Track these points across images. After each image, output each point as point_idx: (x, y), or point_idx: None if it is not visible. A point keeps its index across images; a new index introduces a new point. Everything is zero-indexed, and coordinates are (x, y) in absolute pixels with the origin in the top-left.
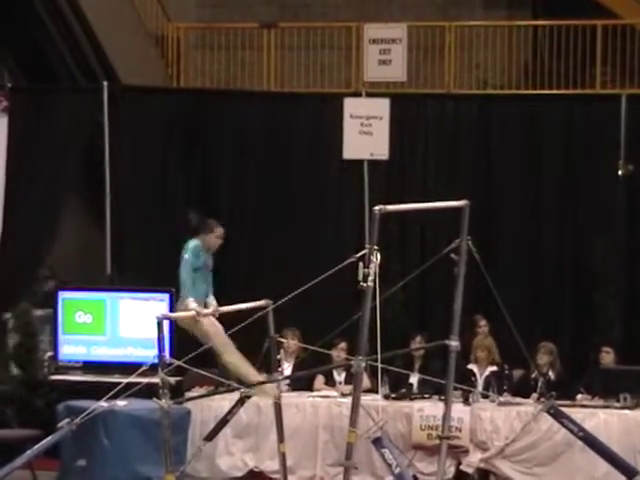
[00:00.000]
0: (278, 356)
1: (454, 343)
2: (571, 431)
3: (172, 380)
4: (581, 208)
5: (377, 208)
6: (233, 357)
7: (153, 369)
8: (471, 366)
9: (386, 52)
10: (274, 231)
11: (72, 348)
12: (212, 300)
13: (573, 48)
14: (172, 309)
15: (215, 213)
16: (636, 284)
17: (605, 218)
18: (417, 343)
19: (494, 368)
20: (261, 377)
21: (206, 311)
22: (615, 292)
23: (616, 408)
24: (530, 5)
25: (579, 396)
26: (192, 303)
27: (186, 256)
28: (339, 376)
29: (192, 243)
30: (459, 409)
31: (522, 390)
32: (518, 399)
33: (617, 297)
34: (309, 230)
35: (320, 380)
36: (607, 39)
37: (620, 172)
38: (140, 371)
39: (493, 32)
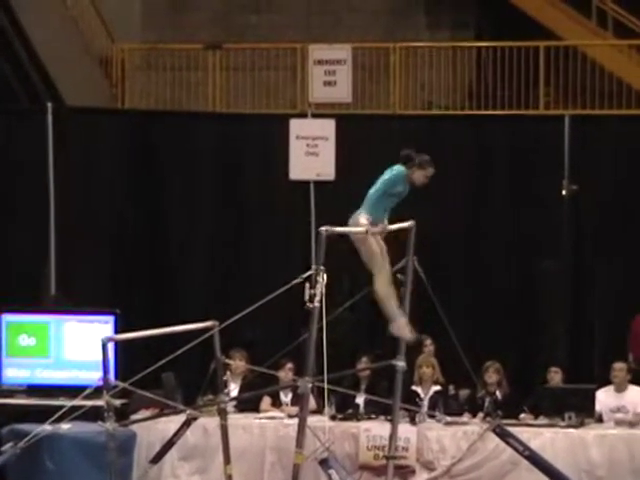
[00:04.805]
0: (225, 377)
1: (400, 363)
2: (517, 450)
3: (117, 402)
4: (526, 228)
5: (323, 229)
6: (384, 287)
7: (98, 392)
8: (415, 387)
9: (331, 73)
10: (222, 251)
11: (16, 371)
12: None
13: (516, 69)
14: (117, 331)
15: (163, 234)
16: (582, 304)
17: (550, 238)
18: (363, 363)
19: (438, 388)
20: (402, 319)
21: (375, 229)
22: (561, 312)
23: (561, 427)
24: (474, 27)
25: (522, 415)
26: (364, 219)
27: (386, 177)
28: (286, 397)
29: (399, 169)
30: (406, 429)
31: (469, 409)
32: (464, 418)
33: (563, 317)
34: (257, 250)
35: (267, 401)
36: (550, 60)
37: (564, 192)
38: (85, 394)
39: (437, 53)
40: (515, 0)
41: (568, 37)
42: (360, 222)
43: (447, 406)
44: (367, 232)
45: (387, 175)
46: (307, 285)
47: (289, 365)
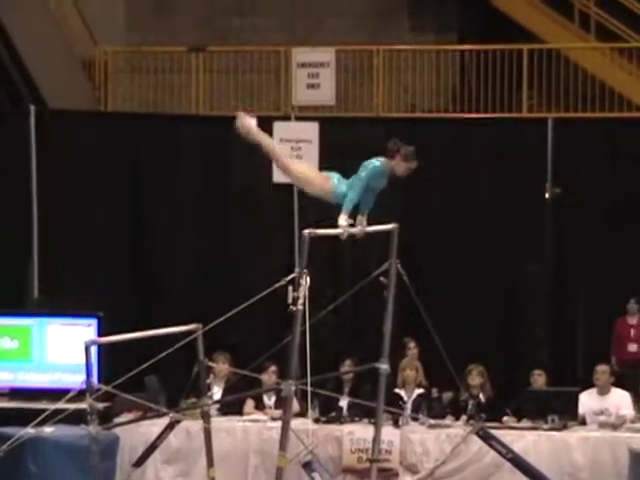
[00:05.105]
0: (208, 380)
1: (384, 366)
2: (500, 453)
3: (100, 406)
4: (509, 231)
5: (306, 231)
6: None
7: (81, 395)
8: (398, 390)
9: (315, 76)
10: (205, 253)
11: None
12: (364, 221)
13: (500, 72)
14: (100, 334)
15: (147, 237)
16: (565, 306)
17: (533, 241)
18: (346, 366)
19: (421, 391)
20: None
21: (353, 230)
22: (544, 314)
23: (544, 430)
24: (457, 30)
25: (505, 418)
26: (342, 220)
27: (363, 174)
28: (269, 400)
29: (377, 162)
30: (389, 432)
31: (452, 412)
32: (448, 421)
33: (546, 319)
34: (240, 253)
35: (250, 404)
36: (533, 63)
37: (547, 195)
38: (68, 397)
39: (421, 56)
40: (499, 3)
41: (551, 40)
42: (339, 224)
43: (430, 409)
44: (345, 236)
45: (363, 173)
46: (290, 288)
47: (272, 368)
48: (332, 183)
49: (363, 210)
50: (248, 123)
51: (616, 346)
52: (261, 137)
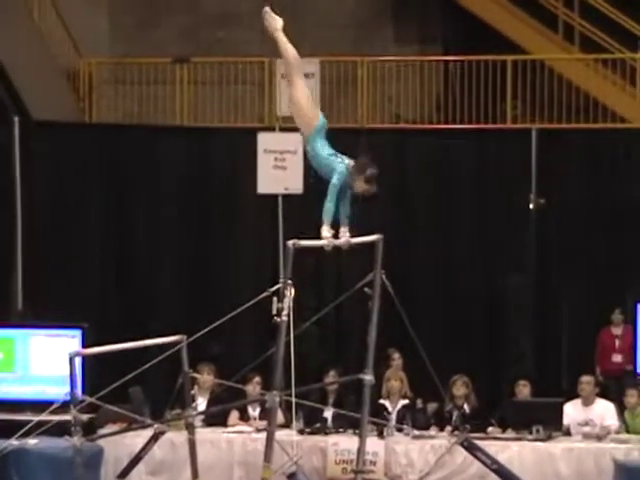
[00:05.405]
0: (192, 391)
1: (368, 377)
2: (484, 464)
3: (84, 417)
4: (493, 242)
5: (291, 242)
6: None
7: (65, 406)
8: (382, 401)
9: None
10: (190, 264)
11: None
12: (347, 232)
13: (484, 83)
14: (84, 345)
15: (131, 248)
16: (549, 317)
17: (517, 251)
18: (331, 377)
19: (406, 402)
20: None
21: (338, 242)
22: (529, 325)
23: (529, 440)
24: (441, 40)
25: (490, 429)
26: (325, 232)
27: (335, 181)
28: (254, 411)
29: (343, 166)
30: (374, 443)
31: (437, 423)
32: (432, 432)
33: (531, 330)
34: (225, 264)
35: (235, 415)
36: (517, 74)
37: (531, 206)
38: (52, 408)
39: (405, 67)
40: (483, 14)
41: (535, 51)
42: (322, 235)
43: (415, 420)
44: (331, 247)
45: (336, 175)
46: (275, 299)
47: (257, 379)
48: (315, 125)
49: (344, 220)
50: (275, 23)
51: (600, 357)
52: (284, 43)
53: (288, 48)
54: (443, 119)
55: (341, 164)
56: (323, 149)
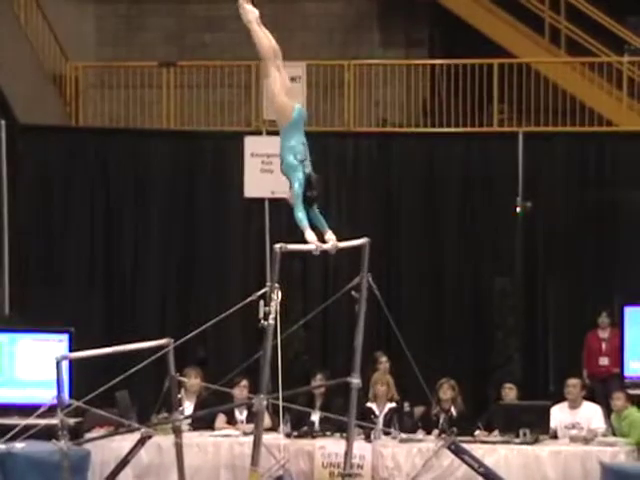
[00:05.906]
0: (179, 395)
1: (355, 380)
2: (472, 467)
3: (71, 421)
4: (480, 245)
5: (278, 246)
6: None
7: (52, 410)
8: (370, 404)
9: None
10: (177, 268)
11: None
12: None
13: (470, 86)
14: (71, 349)
15: (118, 252)
16: (536, 320)
17: (504, 255)
18: (318, 381)
19: (393, 405)
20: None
21: (326, 246)
22: (516, 328)
23: (516, 443)
24: (427, 44)
25: (477, 432)
26: (310, 236)
27: (296, 187)
28: (241, 415)
29: (300, 173)
30: (361, 446)
31: (424, 426)
32: (419, 435)
33: (517, 333)
34: (212, 268)
35: (222, 419)
36: (503, 77)
37: (518, 209)
38: (39, 412)
39: (392, 70)
40: (469, 18)
41: (521, 55)
42: (308, 240)
43: (402, 423)
44: (318, 252)
45: (296, 182)
46: (261, 303)
47: (244, 383)
48: (291, 117)
49: (324, 225)
50: (249, 15)
51: (587, 360)
52: (257, 34)
53: (262, 39)
54: (430, 123)
55: (299, 173)
56: (292, 150)
